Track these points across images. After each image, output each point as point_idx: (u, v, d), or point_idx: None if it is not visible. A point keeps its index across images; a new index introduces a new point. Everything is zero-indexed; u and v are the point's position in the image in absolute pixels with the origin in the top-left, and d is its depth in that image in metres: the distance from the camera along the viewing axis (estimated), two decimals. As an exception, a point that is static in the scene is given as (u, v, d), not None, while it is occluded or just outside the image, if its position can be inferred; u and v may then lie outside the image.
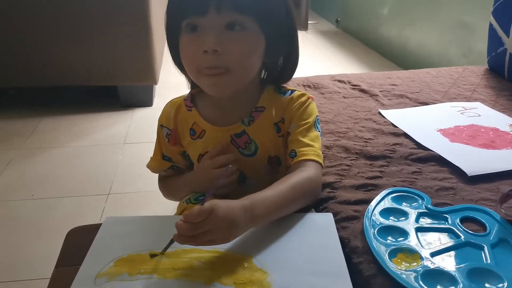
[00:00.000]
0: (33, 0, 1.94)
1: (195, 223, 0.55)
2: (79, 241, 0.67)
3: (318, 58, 3.17)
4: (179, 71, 0.78)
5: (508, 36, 1.38)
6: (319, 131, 0.78)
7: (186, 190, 0.81)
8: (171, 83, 2.36)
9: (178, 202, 0.84)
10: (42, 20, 1.99)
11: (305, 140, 0.75)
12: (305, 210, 0.71)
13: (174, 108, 0.81)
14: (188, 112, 0.80)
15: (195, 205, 0.72)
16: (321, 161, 0.75)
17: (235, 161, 0.76)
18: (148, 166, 0.87)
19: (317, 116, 0.79)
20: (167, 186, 0.87)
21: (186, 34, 0.69)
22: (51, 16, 1.99)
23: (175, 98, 0.83)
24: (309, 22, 4.10)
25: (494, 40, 1.46)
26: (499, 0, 1.42)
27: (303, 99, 0.78)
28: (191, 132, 0.80)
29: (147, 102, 2.27)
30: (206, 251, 0.61)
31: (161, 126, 0.83)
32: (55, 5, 1.97)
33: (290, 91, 0.80)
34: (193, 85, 0.80)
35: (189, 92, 0.82)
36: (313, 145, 0.75)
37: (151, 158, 0.86)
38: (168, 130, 0.82)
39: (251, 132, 0.77)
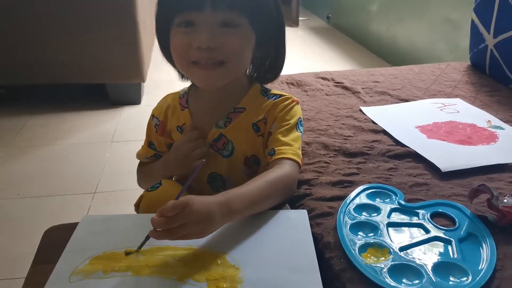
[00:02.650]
0: (19, 0, 1.94)
1: (170, 217, 0.55)
2: (56, 239, 0.68)
3: (308, 55, 3.18)
4: (168, 62, 0.80)
5: (489, 32, 1.39)
6: (300, 132, 0.80)
7: (162, 171, 0.84)
8: (159, 81, 2.36)
9: None
10: (29, 19, 1.98)
11: (285, 139, 0.76)
12: (280, 206, 0.73)
13: (167, 104, 0.85)
14: (181, 112, 0.83)
15: (151, 193, 0.75)
16: (299, 160, 0.76)
17: (211, 162, 0.79)
18: (137, 153, 0.91)
19: (300, 118, 0.80)
20: (144, 171, 0.91)
21: (179, 28, 0.71)
22: (38, 15, 1.98)
23: (171, 93, 0.87)
24: (300, 18, 4.10)
25: (475, 37, 1.48)
26: (481, -3, 1.44)
27: (287, 102, 0.80)
28: (178, 129, 0.83)
29: (135, 100, 2.27)
30: (181, 249, 0.62)
31: (152, 115, 0.87)
32: (42, 5, 1.96)
33: (277, 95, 0.81)
34: (182, 76, 0.83)
35: (185, 91, 0.85)
36: (292, 145, 0.76)
37: (141, 146, 0.91)
38: (158, 121, 0.86)
39: (228, 132, 0.79)
